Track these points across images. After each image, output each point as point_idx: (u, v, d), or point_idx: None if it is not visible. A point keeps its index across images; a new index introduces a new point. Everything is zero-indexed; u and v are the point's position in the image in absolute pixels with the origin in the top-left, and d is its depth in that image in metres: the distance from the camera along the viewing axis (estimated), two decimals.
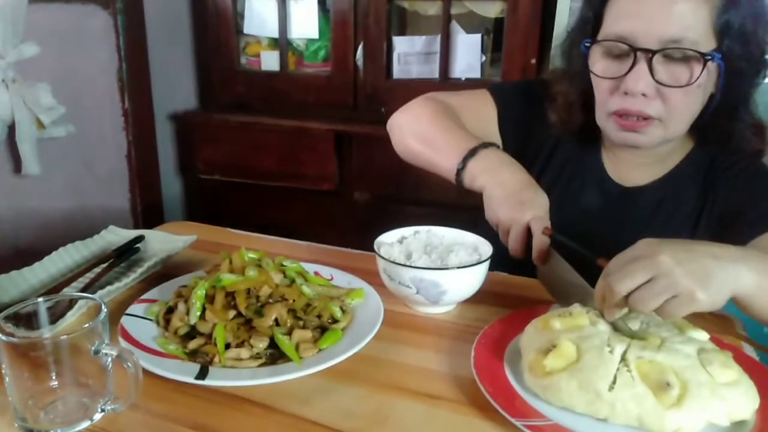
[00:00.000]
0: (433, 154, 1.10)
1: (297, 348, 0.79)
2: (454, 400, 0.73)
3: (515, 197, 0.94)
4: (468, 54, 2.25)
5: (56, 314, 0.80)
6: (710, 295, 0.69)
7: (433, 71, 2.29)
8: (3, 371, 0.66)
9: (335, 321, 0.86)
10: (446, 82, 2.26)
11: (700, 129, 1.06)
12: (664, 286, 0.69)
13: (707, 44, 0.93)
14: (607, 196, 1.13)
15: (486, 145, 1.03)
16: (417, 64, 2.33)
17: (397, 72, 2.35)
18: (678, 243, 0.73)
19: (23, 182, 1.96)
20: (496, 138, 1.21)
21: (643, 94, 0.96)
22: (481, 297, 0.95)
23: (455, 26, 2.24)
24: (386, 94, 2.33)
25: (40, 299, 0.73)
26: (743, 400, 0.66)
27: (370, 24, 2.30)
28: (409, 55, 2.33)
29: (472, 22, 2.25)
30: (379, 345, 0.83)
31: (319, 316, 0.86)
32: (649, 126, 0.99)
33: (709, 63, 0.93)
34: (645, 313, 0.72)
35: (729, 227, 1.03)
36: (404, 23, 2.44)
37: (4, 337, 0.64)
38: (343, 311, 0.88)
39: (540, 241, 0.90)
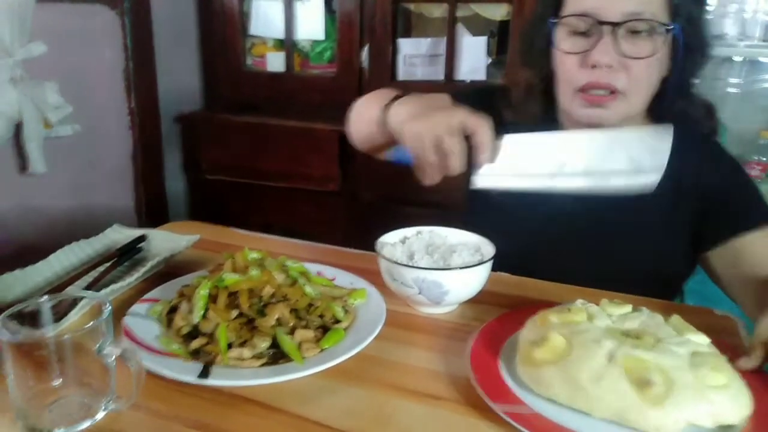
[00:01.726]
0: (366, 110, 1.12)
1: (299, 348, 0.79)
2: (456, 400, 0.73)
3: (435, 105, 0.93)
4: (473, 56, 2.25)
5: (59, 313, 0.80)
6: None
7: (438, 73, 2.29)
8: (6, 370, 0.66)
9: (337, 321, 0.86)
10: (451, 83, 2.26)
11: (658, 112, 1.11)
12: None
13: (663, 20, 1.00)
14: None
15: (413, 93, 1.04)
16: (422, 66, 2.34)
17: (403, 74, 2.35)
18: None
19: (28, 180, 1.97)
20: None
21: (610, 66, 1.00)
22: (484, 297, 0.95)
23: (460, 28, 2.24)
24: None
25: (44, 298, 0.73)
26: (730, 405, 0.66)
27: (375, 26, 2.30)
28: (415, 57, 2.34)
29: (477, 25, 2.25)
30: (381, 345, 0.83)
31: (321, 316, 0.86)
32: (614, 100, 1.03)
33: (664, 39, 1.00)
34: None
35: (706, 225, 1.07)
36: (410, 25, 2.44)
37: (7, 336, 0.64)
38: (346, 311, 0.88)
39: (485, 132, 0.87)
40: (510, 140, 0.90)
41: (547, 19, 1.07)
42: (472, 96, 1.25)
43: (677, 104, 1.09)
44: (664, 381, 0.65)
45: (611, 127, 1.08)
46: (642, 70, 1.01)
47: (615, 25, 0.98)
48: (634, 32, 1.00)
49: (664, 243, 1.11)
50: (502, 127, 1.18)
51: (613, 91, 1.02)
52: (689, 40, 1.03)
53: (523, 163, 0.91)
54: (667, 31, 1.00)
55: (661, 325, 0.75)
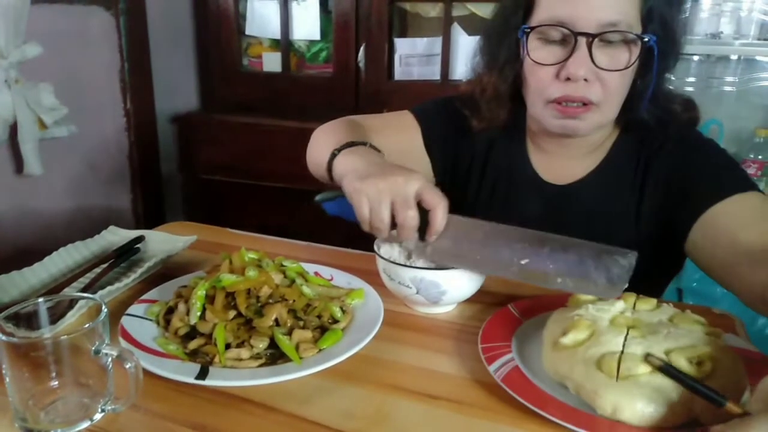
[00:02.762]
0: (315, 153, 1.09)
1: (297, 348, 0.79)
2: (454, 400, 0.73)
3: (391, 165, 0.89)
4: (469, 56, 2.25)
5: (56, 314, 0.80)
6: None
7: (435, 73, 2.29)
8: (3, 371, 0.66)
9: (335, 321, 0.87)
10: (447, 83, 2.26)
11: (629, 117, 1.08)
12: None
13: (637, 29, 0.97)
14: (545, 199, 1.14)
15: (363, 143, 1.00)
16: (418, 66, 2.33)
17: (399, 74, 2.35)
18: None
19: (24, 182, 1.96)
20: (423, 156, 1.21)
21: (585, 79, 0.97)
22: (481, 297, 0.95)
23: (456, 28, 2.24)
24: (388, 95, 2.34)
25: (41, 299, 0.73)
26: (606, 396, 0.67)
27: (371, 26, 2.30)
28: (411, 56, 2.33)
29: (473, 24, 2.24)
30: (379, 345, 0.83)
31: (319, 317, 0.86)
32: (587, 112, 1.00)
33: (639, 49, 0.97)
34: None
35: (679, 205, 1.03)
36: (406, 25, 2.44)
37: (4, 337, 0.64)
38: (343, 311, 0.88)
39: (440, 209, 0.83)
40: (460, 222, 0.86)
41: (515, 25, 1.04)
42: (436, 109, 1.24)
43: (650, 110, 1.06)
44: (581, 340, 0.74)
45: (582, 138, 1.07)
46: (616, 81, 0.98)
47: (590, 36, 0.95)
48: (609, 42, 0.97)
49: (636, 241, 1.07)
50: (469, 136, 1.18)
51: (586, 103, 0.99)
52: (662, 46, 1.00)
53: (467, 248, 0.86)
54: (643, 43, 0.97)
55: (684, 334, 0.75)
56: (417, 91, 2.28)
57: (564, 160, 1.13)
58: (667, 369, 0.65)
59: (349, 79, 2.40)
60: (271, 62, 2.53)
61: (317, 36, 2.45)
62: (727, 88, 2.26)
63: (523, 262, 0.84)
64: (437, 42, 2.27)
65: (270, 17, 2.47)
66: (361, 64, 2.36)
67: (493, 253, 0.85)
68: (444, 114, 1.22)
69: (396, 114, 1.24)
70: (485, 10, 2.20)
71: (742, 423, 0.55)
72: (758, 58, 2.23)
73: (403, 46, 2.33)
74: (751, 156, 2.18)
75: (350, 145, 0.98)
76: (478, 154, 1.20)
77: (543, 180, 1.15)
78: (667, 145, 1.08)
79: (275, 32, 2.48)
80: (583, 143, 1.10)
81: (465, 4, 2.22)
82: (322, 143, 1.07)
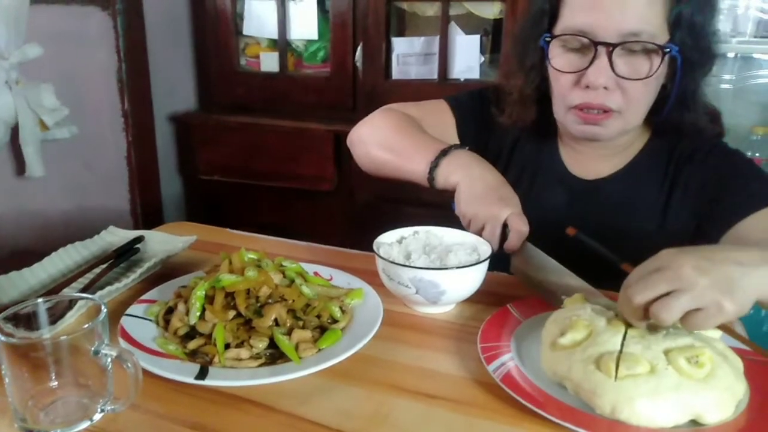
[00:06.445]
0: (400, 160, 1.12)
1: (296, 348, 0.79)
2: (453, 399, 0.74)
3: (493, 193, 0.97)
4: (467, 55, 2.25)
5: (56, 315, 0.80)
6: (737, 304, 0.67)
7: (432, 72, 2.30)
8: (3, 372, 0.66)
9: (335, 321, 0.87)
10: (445, 83, 2.26)
11: (657, 121, 1.09)
12: (688, 299, 0.67)
13: (662, 37, 0.96)
14: (570, 191, 1.15)
15: (457, 146, 1.06)
16: (416, 65, 2.33)
17: (396, 73, 2.35)
18: (699, 252, 0.71)
19: (23, 183, 1.96)
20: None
21: (605, 87, 0.98)
22: (480, 297, 0.95)
23: (454, 27, 2.24)
24: (385, 95, 2.33)
25: (40, 300, 0.73)
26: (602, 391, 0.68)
27: (369, 25, 2.30)
28: (408, 56, 2.34)
29: (470, 23, 2.25)
30: (378, 345, 0.84)
31: (318, 316, 0.86)
32: (609, 118, 1.01)
33: (662, 57, 0.97)
34: (667, 324, 0.70)
35: (709, 215, 1.04)
36: (403, 24, 2.44)
37: (3, 338, 0.64)
38: (343, 311, 0.89)
39: (517, 234, 0.94)
40: (531, 249, 0.96)
41: (540, 32, 1.05)
42: (470, 101, 1.26)
43: (678, 115, 1.06)
44: (578, 340, 0.75)
45: (607, 141, 1.08)
46: (638, 90, 0.99)
47: (611, 45, 0.95)
48: (631, 51, 0.96)
49: (657, 242, 1.08)
50: (498, 130, 1.19)
51: (606, 110, 1.00)
52: (690, 54, 0.99)
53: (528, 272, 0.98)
54: (665, 52, 0.96)
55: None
56: (414, 90, 2.29)
57: (592, 158, 1.14)
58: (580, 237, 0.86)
59: (346, 79, 2.40)
60: (269, 62, 2.53)
61: (314, 35, 2.45)
62: (724, 86, 2.26)
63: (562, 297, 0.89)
64: (435, 41, 2.27)
65: (267, 17, 2.47)
66: (359, 64, 2.36)
67: (544, 281, 0.95)
68: (478, 107, 1.24)
69: (433, 103, 1.26)
70: (482, 10, 2.20)
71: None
72: (755, 55, 2.24)
73: (400, 45, 2.33)
74: (748, 154, 2.18)
75: (444, 153, 1.04)
76: (506, 147, 1.22)
77: (570, 173, 1.16)
78: (698, 155, 1.09)
79: (272, 32, 2.48)
80: (609, 145, 1.11)
81: (462, 3, 2.22)
82: (397, 144, 1.13)
